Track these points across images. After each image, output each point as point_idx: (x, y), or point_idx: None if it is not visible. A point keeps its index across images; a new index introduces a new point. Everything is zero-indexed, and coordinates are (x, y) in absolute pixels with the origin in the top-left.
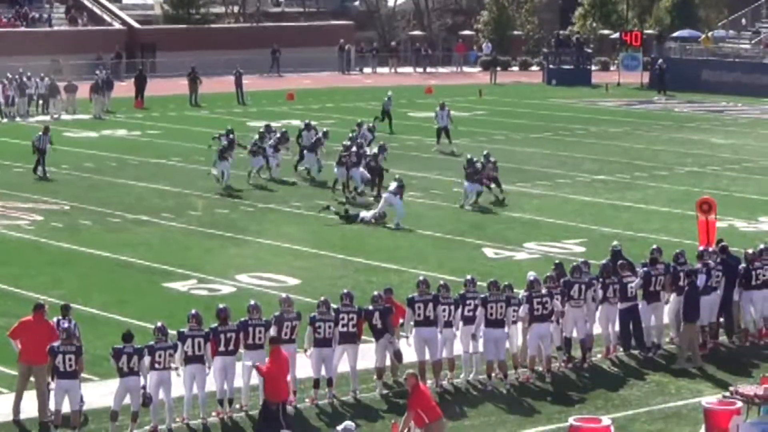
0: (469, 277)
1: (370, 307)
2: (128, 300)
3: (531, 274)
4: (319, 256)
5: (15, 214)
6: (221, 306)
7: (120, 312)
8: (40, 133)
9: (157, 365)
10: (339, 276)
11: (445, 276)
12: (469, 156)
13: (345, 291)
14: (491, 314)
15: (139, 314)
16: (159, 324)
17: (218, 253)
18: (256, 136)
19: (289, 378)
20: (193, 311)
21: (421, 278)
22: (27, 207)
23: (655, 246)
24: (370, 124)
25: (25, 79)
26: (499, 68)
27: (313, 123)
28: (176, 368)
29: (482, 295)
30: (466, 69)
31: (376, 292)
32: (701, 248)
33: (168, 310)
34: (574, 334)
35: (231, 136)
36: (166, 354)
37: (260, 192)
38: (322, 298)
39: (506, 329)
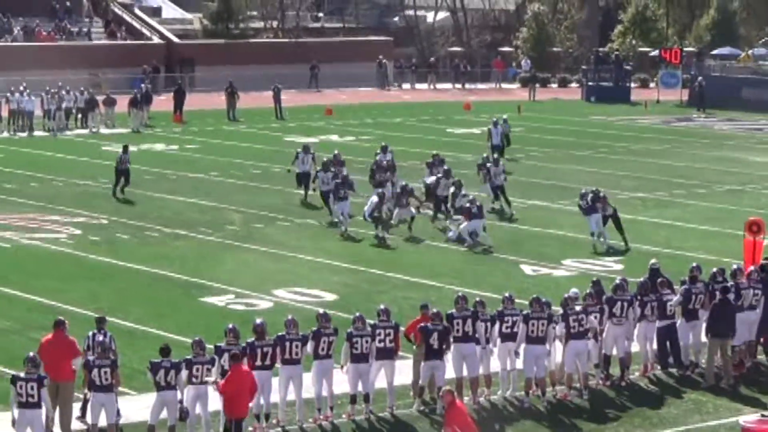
0: (507, 294)
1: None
2: (165, 314)
3: (574, 291)
4: (357, 271)
5: (53, 227)
6: (258, 321)
7: (157, 326)
8: (120, 151)
9: (194, 379)
10: (376, 291)
11: (483, 293)
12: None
13: (382, 307)
14: (532, 331)
15: (176, 328)
16: (197, 338)
17: (255, 268)
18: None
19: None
20: (231, 325)
21: (459, 294)
22: (65, 220)
23: (695, 264)
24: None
25: (63, 92)
26: (538, 85)
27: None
28: (213, 382)
29: (524, 312)
30: (504, 85)
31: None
32: (750, 268)
33: (205, 324)
34: (614, 351)
35: (341, 173)
36: (204, 368)
37: (297, 207)
38: (358, 314)
39: (547, 346)
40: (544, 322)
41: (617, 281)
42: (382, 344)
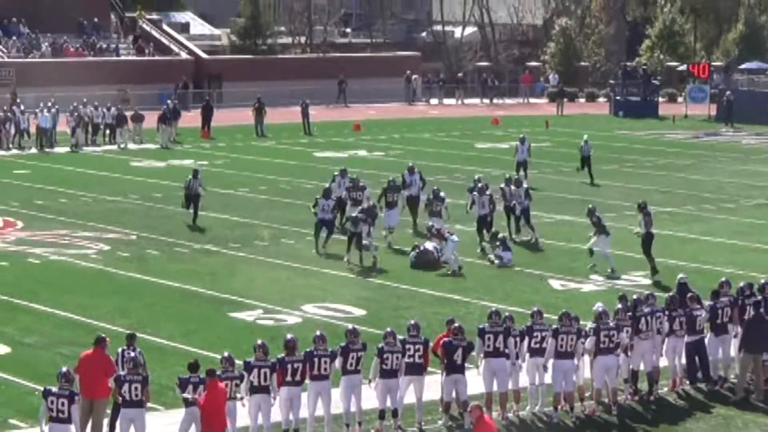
0: (535, 308)
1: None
2: (195, 330)
3: (599, 305)
4: (385, 286)
5: (82, 243)
6: (289, 336)
7: (187, 342)
8: (190, 177)
9: None
10: (405, 307)
11: (511, 307)
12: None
13: (412, 322)
14: (561, 345)
15: (205, 344)
16: (226, 354)
17: (284, 284)
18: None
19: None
20: (260, 341)
21: (493, 309)
22: (94, 236)
23: (724, 278)
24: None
25: (90, 108)
26: (566, 99)
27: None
28: (242, 398)
29: (553, 327)
30: (532, 100)
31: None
32: None
33: (234, 340)
34: (642, 366)
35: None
36: (233, 384)
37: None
38: (389, 329)
39: (576, 361)
40: (573, 336)
41: (639, 296)
42: (411, 360)
